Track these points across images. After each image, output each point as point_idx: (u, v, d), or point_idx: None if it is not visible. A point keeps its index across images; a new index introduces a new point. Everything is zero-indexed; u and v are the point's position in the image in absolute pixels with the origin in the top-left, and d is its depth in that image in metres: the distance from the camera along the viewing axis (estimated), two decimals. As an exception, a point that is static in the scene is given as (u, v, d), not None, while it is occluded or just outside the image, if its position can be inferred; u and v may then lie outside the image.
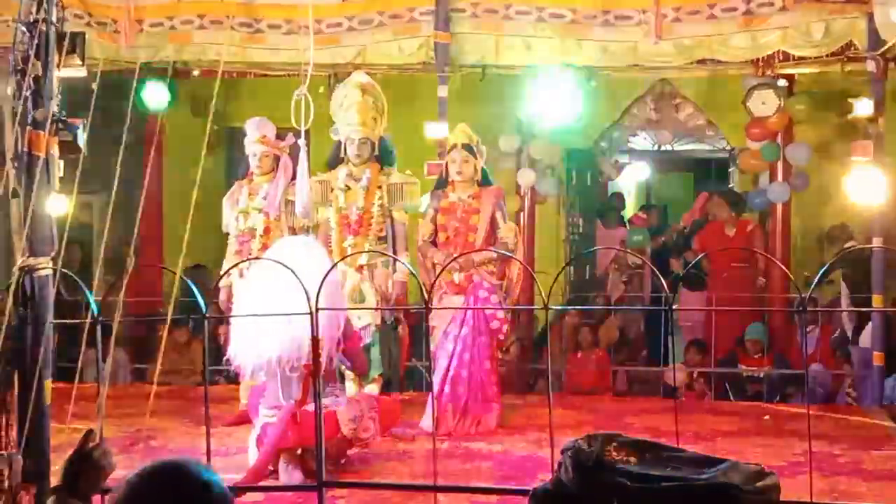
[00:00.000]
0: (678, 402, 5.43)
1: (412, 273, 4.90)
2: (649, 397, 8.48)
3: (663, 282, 3.78)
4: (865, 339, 8.34)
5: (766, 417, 7.23)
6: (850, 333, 8.78)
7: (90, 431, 2.28)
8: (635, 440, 3.27)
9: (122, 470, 2.37)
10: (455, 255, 6.22)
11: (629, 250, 9.90)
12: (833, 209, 9.49)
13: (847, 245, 8.63)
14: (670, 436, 3.39)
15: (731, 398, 8.50)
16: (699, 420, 6.74)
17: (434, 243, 6.80)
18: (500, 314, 6.78)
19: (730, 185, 11.61)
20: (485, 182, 6.88)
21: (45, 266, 3.28)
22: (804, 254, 9.92)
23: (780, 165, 9.37)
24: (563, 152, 10.39)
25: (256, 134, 6.99)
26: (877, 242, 7.51)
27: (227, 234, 7.13)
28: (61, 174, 3.57)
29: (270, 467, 5.34)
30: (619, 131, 11.30)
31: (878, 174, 7.46)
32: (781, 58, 8.13)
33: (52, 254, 3.34)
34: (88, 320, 3.44)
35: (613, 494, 2.88)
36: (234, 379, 6.86)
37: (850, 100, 8.51)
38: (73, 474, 2.22)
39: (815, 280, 3.66)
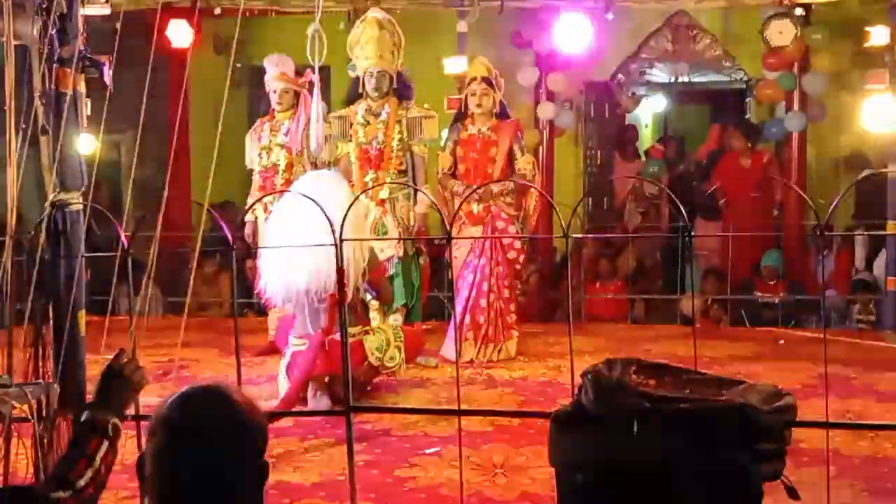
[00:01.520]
0: (695, 328, 5.43)
1: (434, 204, 4.89)
2: (666, 325, 8.49)
3: (682, 209, 3.74)
4: (878, 266, 8.31)
5: (781, 342, 7.24)
6: (863, 262, 8.76)
7: (122, 350, 2.29)
8: (654, 364, 3.28)
9: (157, 398, 2.40)
10: (475, 187, 6.21)
11: (647, 179, 9.84)
12: (849, 138, 9.39)
13: (863, 173, 8.54)
14: (687, 361, 3.39)
15: (747, 324, 8.50)
16: (715, 346, 6.74)
17: (453, 175, 6.81)
18: (518, 244, 6.82)
19: (746, 116, 11.48)
20: (503, 115, 6.85)
21: (75, 201, 3.29)
22: (820, 183, 9.84)
23: (796, 95, 9.24)
24: (581, 85, 10.29)
25: (275, 71, 6.96)
26: (892, 169, 7.44)
27: (251, 170, 7.13)
28: (89, 112, 3.56)
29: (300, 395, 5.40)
30: (637, 64, 11.15)
31: (894, 102, 7.36)
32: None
33: (83, 189, 3.34)
34: (119, 254, 3.46)
35: (633, 416, 2.89)
36: (262, 311, 6.91)
37: (866, 28, 8.35)
38: (106, 389, 2.24)
39: (832, 206, 3.61)
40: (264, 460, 1.76)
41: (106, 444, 2.21)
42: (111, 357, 2.42)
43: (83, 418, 2.26)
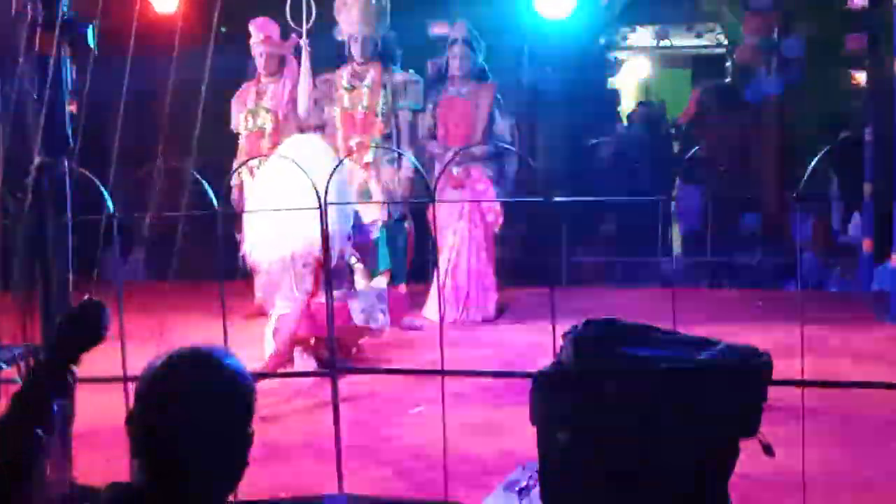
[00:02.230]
0: (674, 289, 5.46)
1: (418, 169, 4.88)
2: (646, 288, 8.53)
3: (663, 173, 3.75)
4: (854, 228, 8.36)
5: (759, 303, 7.28)
6: (839, 224, 8.81)
7: (90, 298, 2.21)
8: (634, 324, 3.30)
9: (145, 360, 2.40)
10: (457, 151, 6.21)
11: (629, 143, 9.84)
12: (827, 102, 9.40)
13: (840, 135, 8.56)
14: (667, 322, 3.41)
15: (726, 286, 8.55)
16: (694, 307, 6.76)
17: (433, 137, 6.79)
18: (497, 207, 6.82)
19: (726, 80, 11.47)
20: (483, 78, 6.84)
21: (61, 164, 3.27)
22: (798, 146, 9.85)
23: (775, 59, 9.24)
24: (564, 49, 10.23)
25: (260, 34, 6.90)
26: (868, 134, 7.47)
27: (237, 134, 7.09)
28: (73, 76, 3.53)
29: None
30: (620, 28, 11.11)
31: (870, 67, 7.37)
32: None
33: (68, 153, 3.32)
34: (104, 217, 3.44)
35: (613, 376, 2.91)
36: (248, 274, 6.90)
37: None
38: (68, 332, 2.17)
39: (809, 169, 3.62)
40: (251, 424, 1.75)
41: (62, 390, 2.15)
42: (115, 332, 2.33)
43: (41, 359, 2.19)
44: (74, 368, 2.16)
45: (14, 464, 2.00)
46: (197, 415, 1.66)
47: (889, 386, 4.68)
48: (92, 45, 3.38)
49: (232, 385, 1.71)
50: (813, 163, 3.62)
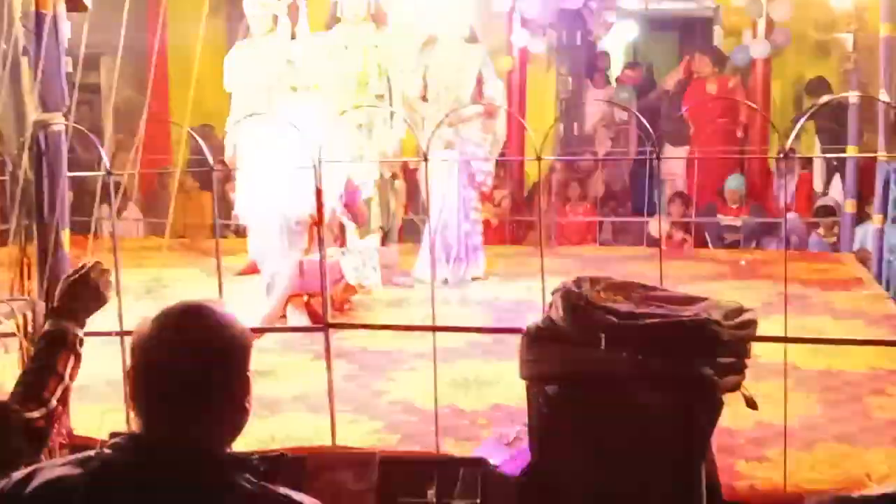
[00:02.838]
0: (661, 248, 5.47)
1: (410, 128, 4.85)
2: (633, 246, 8.54)
3: (650, 133, 3.74)
4: (836, 189, 8.37)
5: (743, 262, 7.31)
6: (822, 186, 8.82)
7: (97, 263, 2.22)
8: (622, 282, 3.31)
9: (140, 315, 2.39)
10: (447, 113, 6.17)
11: (617, 104, 9.80)
12: (812, 64, 9.37)
13: (822, 99, 8.54)
14: (653, 280, 3.42)
15: (710, 246, 8.57)
16: (680, 266, 6.80)
17: (423, 99, 6.75)
18: (486, 168, 6.80)
19: (713, 44, 11.40)
20: (472, 40, 6.79)
21: (58, 122, 3.25)
22: (784, 108, 9.84)
23: (761, 22, 9.18)
24: (553, 12, 10.16)
25: (253, -6, 6.81)
26: (852, 97, 7.46)
27: (230, 93, 7.02)
28: (69, 35, 3.50)
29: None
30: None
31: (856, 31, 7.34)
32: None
33: (64, 110, 3.29)
34: (101, 174, 3.42)
35: (601, 330, 2.93)
36: (242, 232, 6.88)
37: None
38: (71, 296, 2.18)
39: (794, 130, 3.62)
40: (247, 376, 1.74)
41: (73, 358, 2.18)
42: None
43: (47, 327, 2.21)
44: (80, 332, 2.17)
45: (26, 429, 2.01)
46: (190, 369, 1.65)
47: (867, 343, 4.74)
48: (88, 4, 3.34)
49: (228, 333, 1.69)
50: (797, 126, 3.63)
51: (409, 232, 7.39)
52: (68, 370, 2.14)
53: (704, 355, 2.91)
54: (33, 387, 2.11)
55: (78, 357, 2.18)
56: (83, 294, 2.18)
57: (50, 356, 2.14)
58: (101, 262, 2.21)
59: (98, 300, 2.20)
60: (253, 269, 6.31)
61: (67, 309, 2.18)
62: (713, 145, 8.96)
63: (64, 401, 2.12)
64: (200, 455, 1.62)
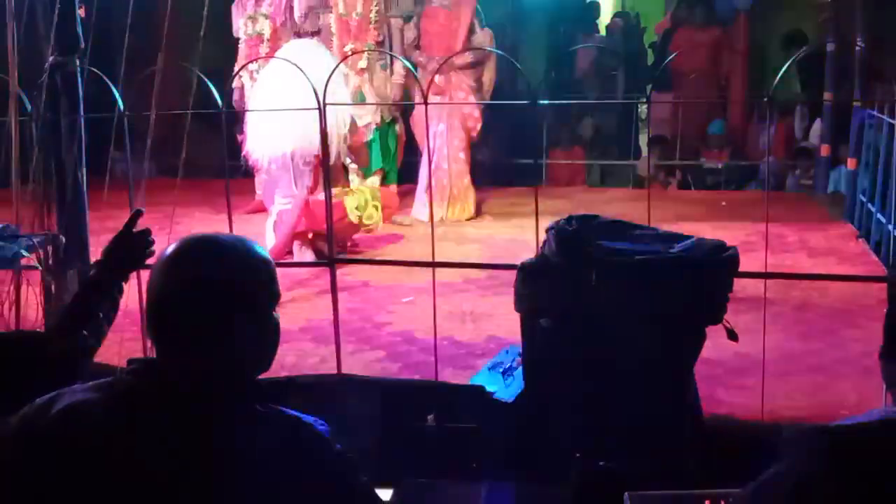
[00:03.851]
0: (649, 188, 5.45)
1: (413, 74, 4.79)
2: (620, 188, 8.52)
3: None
4: (814, 136, 8.32)
5: (724, 203, 7.29)
6: (801, 131, 8.76)
7: (139, 212, 2.22)
8: (611, 220, 3.29)
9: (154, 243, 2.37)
10: (443, 61, 6.11)
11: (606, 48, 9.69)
12: (792, 14, 9.26)
13: (802, 50, 8.44)
14: (640, 220, 3.40)
15: (693, 188, 8.55)
16: (664, 207, 6.75)
17: (417, 46, 6.68)
18: (476, 113, 6.76)
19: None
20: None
21: (73, 64, 3.19)
22: (764, 57, 9.73)
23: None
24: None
25: (259, -59, 6.69)
26: (830, 46, 7.39)
27: (237, 39, 6.93)
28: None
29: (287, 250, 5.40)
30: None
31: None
32: None
33: (79, 52, 3.24)
34: (115, 115, 3.38)
35: (592, 266, 2.92)
36: (249, 172, 6.83)
37: None
38: (117, 251, 2.20)
39: (777, 77, 3.57)
40: (265, 303, 1.69)
41: (109, 301, 2.18)
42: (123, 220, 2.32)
43: (90, 275, 2.21)
44: (123, 284, 2.18)
45: (59, 359, 2.01)
46: (206, 291, 1.61)
47: (841, 278, 4.75)
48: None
49: (239, 261, 1.65)
50: (781, 71, 3.58)
51: (408, 173, 7.34)
52: (103, 310, 2.13)
53: (689, 289, 2.90)
54: (67, 321, 2.11)
55: (115, 302, 2.18)
56: (126, 249, 2.19)
57: (86, 296, 2.14)
58: (142, 211, 2.21)
59: (140, 256, 2.21)
60: (260, 208, 6.29)
61: (111, 262, 2.19)
62: (698, 91, 8.87)
63: (97, 337, 2.11)
64: (213, 380, 1.60)
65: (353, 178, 6.30)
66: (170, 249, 1.67)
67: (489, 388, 3.42)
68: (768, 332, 3.55)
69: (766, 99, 3.18)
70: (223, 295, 1.62)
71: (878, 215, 5.90)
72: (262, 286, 1.68)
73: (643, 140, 9.33)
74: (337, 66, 4.41)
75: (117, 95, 3.26)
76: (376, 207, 5.61)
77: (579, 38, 10.58)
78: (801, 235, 6.11)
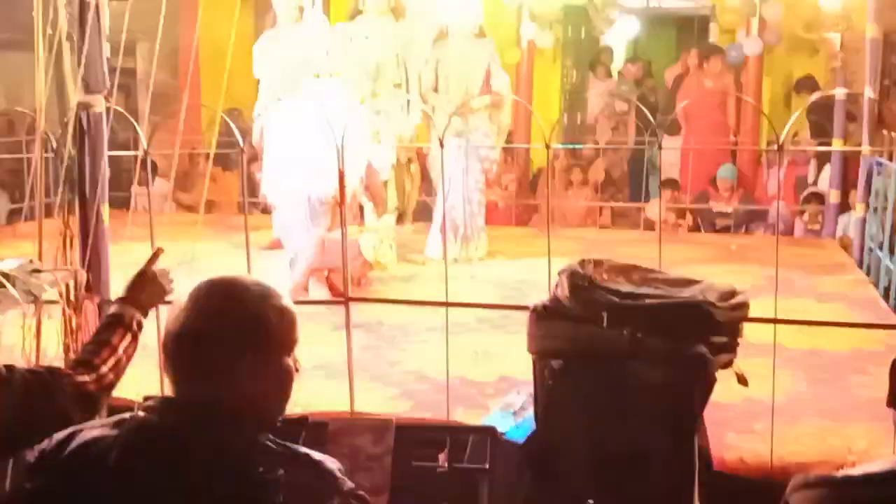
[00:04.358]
0: (660, 231, 5.44)
1: (429, 116, 4.82)
2: (630, 230, 8.52)
3: (651, 120, 3.70)
4: (823, 181, 8.32)
5: (733, 247, 7.28)
6: (813, 176, 8.76)
7: (160, 249, 2.24)
8: (622, 264, 3.29)
9: (173, 282, 2.38)
10: (460, 104, 6.16)
11: (618, 95, 9.74)
12: (802, 62, 9.30)
13: (813, 95, 8.47)
14: (650, 263, 3.39)
15: (703, 231, 8.54)
16: (675, 249, 6.76)
17: (435, 90, 6.74)
18: (492, 155, 6.81)
19: (710, 40, 11.30)
20: (481, 34, 6.77)
21: (99, 104, 3.23)
22: (774, 103, 9.77)
23: (755, 21, 9.10)
24: (560, 8, 10.08)
25: (281, -15, 6.76)
26: (839, 93, 7.41)
27: (258, 79, 6.99)
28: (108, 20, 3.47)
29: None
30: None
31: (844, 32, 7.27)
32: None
33: (105, 93, 3.27)
34: (140, 154, 3.41)
35: (604, 309, 2.91)
36: (267, 209, 6.86)
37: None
38: (137, 288, 2.21)
39: (787, 125, 3.58)
40: (289, 358, 1.69)
41: (129, 336, 2.19)
42: (144, 257, 2.34)
43: (111, 310, 2.23)
44: (142, 320, 2.19)
45: (77, 394, 2.02)
46: (222, 330, 1.62)
47: (851, 325, 4.72)
48: (128, -8, 3.31)
49: (256, 302, 1.65)
50: (791, 120, 3.59)
51: (423, 213, 7.37)
52: (123, 345, 2.15)
53: (700, 334, 2.89)
54: (87, 356, 2.12)
55: (135, 337, 2.19)
56: (147, 287, 2.21)
57: (107, 332, 2.16)
58: (163, 249, 2.23)
59: (160, 294, 2.23)
60: (278, 245, 6.30)
61: (132, 298, 2.21)
62: (706, 136, 8.90)
63: (117, 372, 2.12)
64: (228, 418, 1.61)
65: (369, 217, 6.32)
66: (192, 288, 1.68)
67: (500, 429, 3.40)
68: (778, 376, 3.52)
69: (776, 148, 3.18)
70: (240, 337, 1.63)
71: (887, 261, 5.88)
72: (279, 332, 1.69)
73: (654, 183, 9.34)
74: (355, 108, 4.45)
75: (141, 135, 3.29)
76: (391, 246, 5.62)
77: (592, 82, 10.67)
78: (810, 280, 6.08)
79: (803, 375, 4.28)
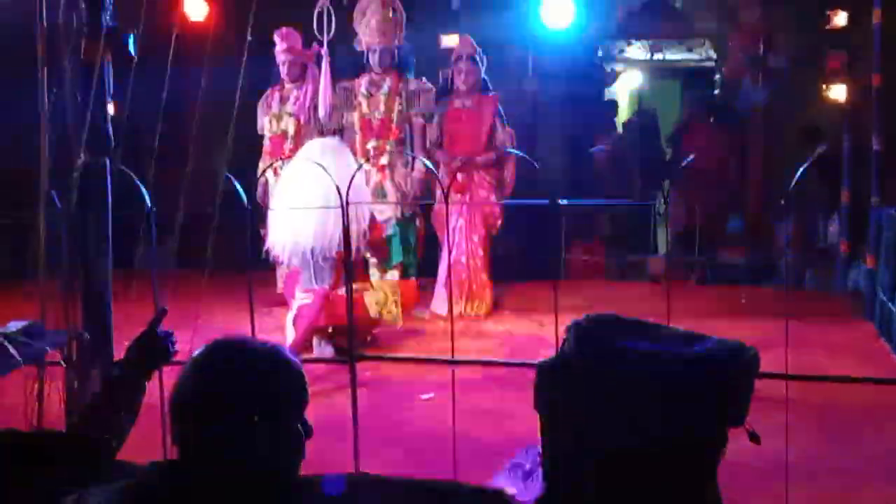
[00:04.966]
0: (666, 286, 5.46)
1: (432, 172, 4.88)
2: (637, 283, 8.52)
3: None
4: (833, 233, 8.34)
5: (743, 300, 7.27)
6: (823, 230, 8.79)
7: (163, 311, 2.25)
8: (631, 319, 3.29)
9: (177, 343, 2.39)
10: (462, 160, 6.22)
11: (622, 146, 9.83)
12: (808, 113, 9.37)
13: (819, 148, 8.53)
14: (658, 316, 3.40)
15: (712, 283, 8.54)
16: (683, 303, 6.73)
17: (440, 145, 6.81)
18: (496, 211, 6.86)
19: (714, 92, 11.43)
20: (485, 90, 6.85)
21: (103, 162, 3.27)
22: (780, 154, 9.81)
23: (760, 73, 9.21)
24: (565, 60, 10.19)
25: (284, 44, 6.90)
26: (846, 144, 7.47)
27: (262, 136, 7.09)
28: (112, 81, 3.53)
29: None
30: (616, 42, 11.08)
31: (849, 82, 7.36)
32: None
33: (109, 153, 3.32)
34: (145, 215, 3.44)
35: (612, 366, 2.91)
36: (270, 265, 6.91)
37: (827, 11, 8.32)
38: (139, 351, 2.22)
39: (795, 179, 3.61)
40: (304, 421, 1.70)
41: (132, 399, 2.19)
42: (148, 317, 2.35)
43: (114, 373, 2.24)
44: (146, 383, 2.20)
45: (80, 457, 2.02)
46: (226, 394, 1.62)
47: (864, 380, 4.69)
48: (133, 53, 3.38)
49: (259, 364, 1.66)
50: (798, 174, 3.62)
51: (428, 268, 7.39)
52: (126, 408, 2.15)
53: (710, 392, 2.88)
54: (90, 419, 2.12)
55: (139, 399, 2.20)
56: (150, 351, 2.22)
57: (109, 395, 2.16)
58: (166, 310, 2.25)
59: (164, 356, 2.24)
60: (282, 301, 6.33)
61: (135, 361, 2.22)
62: (716, 187, 8.94)
63: (120, 435, 2.12)
64: (233, 484, 1.61)
65: (373, 273, 6.35)
66: (199, 351, 1.69)
67: (509, 491, 3.37)
68: (790, 433, 3.50)
69: (783, 202, 3.21)
70: (247, 402, 1.63)
71: (899, 314, 5.87)
72: (288, 395, 1.69)
73: (661, 235, 9.37)
74: (360, 167, 4.50)
75: (146, 195, 3.33)
76: (396, 303, 5.64)
77: (597, 134, 10.74)
78: (821, 334, 6.07)
79: (817, 432, 4.26)
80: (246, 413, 1.63)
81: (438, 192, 6.41)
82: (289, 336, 5.42)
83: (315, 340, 5.41)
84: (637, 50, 11.85)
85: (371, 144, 6.62)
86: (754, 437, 3.06)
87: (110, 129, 3.36)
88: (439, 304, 6.57)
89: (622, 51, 11.74)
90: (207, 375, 1.65)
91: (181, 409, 1.66)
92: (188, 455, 1.65)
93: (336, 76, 6.68)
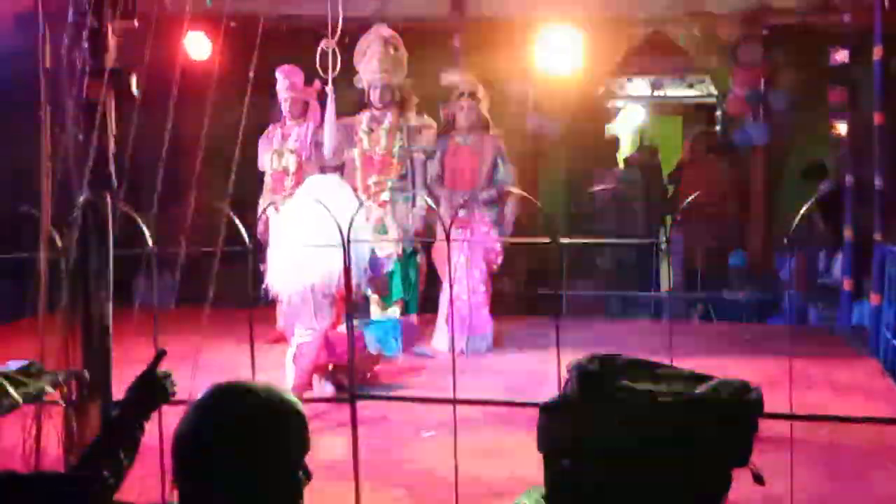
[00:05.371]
0: (669, 323, 5.46)
1: (432, 207, 4.89)
2: (640, 319, 8.52)
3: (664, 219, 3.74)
4: (836, 270, 8.35)
5: (748, 338, 7.26)
6: (826, 265, 8.80)
7: (163, 351, 2.26)
8: (633, 359, 3.27)
9: (177, 381, 2.39)
10: (463, 197, 6.25)
11: (624, 187, 9.86)
12: (810, 149, 9.41)
13: (822, 186, 8.56)
14: (661, 353, 3.39)
15: (715, 319, 8.53)
16: (686, 340, 6.75)
17: (441, 181, 6.84)
18: (498, 247, 6.87)
19: (716, 128, 11.49)
20: (487, 128, 6.90)
21: (105, 201, 3.28)
22: (782, 190, 9.85)
23: (761, 109, 9.26)
24: (566, 97, 10.25)
25: (286, 81, 6.95)
26: (848, 180, 7.50)
27: (263, 172, 7.12)
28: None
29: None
30: (617, 79, 11.15)
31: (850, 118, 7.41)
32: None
33: (111, 191, 3.33)
34: (145, 251, 3.46)
35: (615, 407, 2.90)
36: (270, 302, 6.91)
37: (828, 48, 8.39)
38: (139, 392, 2.23)
39: (797, 218, 3.63)
40: (304, 467, 1.70)
41: (131, 440, 2.20)
42: (147, 357, 2.36)
43: (114, 413, 2.25)
44: (145, 424, 2.21)
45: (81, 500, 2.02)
46: (227, 439, 1.63)
47: (869, 420, 4.68)
48: (135, 93, 3.40)
49: (280, 417, 1.67)
50: (801, 213, 3.63)
51: (429, 304, 7.40)
52: (124, 448, 2.15)
53: (714, 432, 2.87)
54: (88, 459, 2.13)
55: (137, 440, 2.20)
56: (149, 392, 2.23)
57: (108, 435, 2.16)
58: (165, 352, 2.26)
59: (163, 396, 2.25)
60: (282, 338, 6.32)
61: (134, 401, 2.22)
62: (718, 224, 8.97)
63: (118, 477, 2.12)
64: None
65: (374, 309, 6.35)
66: (202, 395, 1.69)
67: (511, 531, 3.35)
68: (795, 473, 3.49)
69: (785, 241, 3.22)
70: (251, 449, 1.64)
71: (904, 351, 5.87)
72: (289, 443, 1.69)
73: (663, 271, 9.38)
74: (361, 205, 4.52)
75: (147, 235, 3.34)
76: (396, 339, 5.64)
77: (599, 170, 10.78)
78: (826, 371, 6.06)
79: (822, 471, 4.24)
80: (247, 460, 1.63)
81: (439, 229, 6.43)
82: (288, 373, 5.41)
83: (315, 378, 5.40)
84: (638, 86, 11.93)
85: (372, 180, 6.66)
86: (759, 479, 3.04)
87: (112, 167, 3.38)
88: (441, 340, 6.57)
89: (623, 87, 11.81)
90: (209, 420, 1.65)
91: (182, 452, 1.66)
92: (188, 498, 1.65)
93: (337, 113, 6.71)
